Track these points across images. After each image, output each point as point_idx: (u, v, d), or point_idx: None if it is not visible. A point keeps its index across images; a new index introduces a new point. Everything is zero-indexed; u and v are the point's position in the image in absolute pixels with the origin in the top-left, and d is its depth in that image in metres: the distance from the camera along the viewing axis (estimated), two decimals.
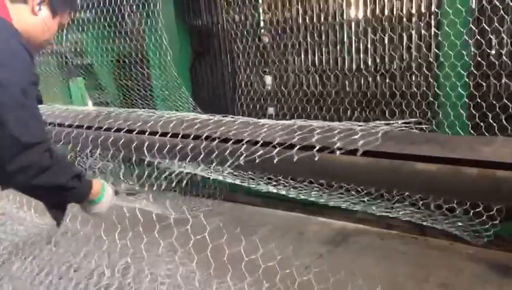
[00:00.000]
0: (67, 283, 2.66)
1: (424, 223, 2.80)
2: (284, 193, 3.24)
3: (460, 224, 2.64)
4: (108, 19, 3.85)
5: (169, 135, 1.87)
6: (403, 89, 3.05)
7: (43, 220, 3.10)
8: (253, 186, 3.36)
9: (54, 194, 1.50)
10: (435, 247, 2.88)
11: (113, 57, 4.25)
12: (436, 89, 2.81)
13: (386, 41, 3.08)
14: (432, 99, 2.89)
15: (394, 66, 3.11)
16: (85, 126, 2.16)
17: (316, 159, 1.44)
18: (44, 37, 1.55)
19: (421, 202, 2.69)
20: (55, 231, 3.05)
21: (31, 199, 2.48)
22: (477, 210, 2.45)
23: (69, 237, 2.93)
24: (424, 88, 2.97)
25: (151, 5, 3.64)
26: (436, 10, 2.81)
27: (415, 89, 3.00)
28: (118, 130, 2.10)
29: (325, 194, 3.08)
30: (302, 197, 3.17)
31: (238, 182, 3.39)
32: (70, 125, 2.27)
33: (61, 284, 2.66)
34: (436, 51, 2.81)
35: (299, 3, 3.40)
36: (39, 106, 1.47)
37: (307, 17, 3.40)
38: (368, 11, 3.14)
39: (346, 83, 3.33)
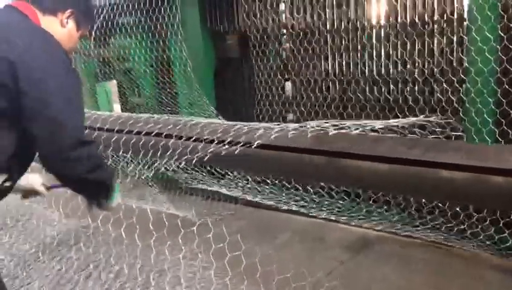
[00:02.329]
0: (93, 282, 2.73)
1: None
2: (304, 210, 3.29)
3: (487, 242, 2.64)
4: (147, 25, 3.95)
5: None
6: (426, 96, 3.04)
7: (71, 220, 3.18)
8: (273, 202, 3.42)
9: (97, 188, 1.69)
10: (459, 256, 2.84)
11: (151, 62, 4.32)
12: (462, 96, 2.78)
13: (408, 47, 3.09)
14: (457, 105, 2.87)
15: (416, 73, 3.10)
16: (115, 130, 2.24)
17: (340, 165, 1.47)
18: (69, 46, 1.73)
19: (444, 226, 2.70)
20: (83, 231, 3.13)
21: (59, 199, 2.59)
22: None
23: (97, 238, 3.00)
24: (450, 95, 2.94)
25: (172, 14, 3.71)
26: (464, 12, 2.79)
27: (440, 96, 2.98)
28: (147, 133, 2.18)
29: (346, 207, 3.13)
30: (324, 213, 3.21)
31: (258, 198, 3.45)
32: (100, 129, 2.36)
33: (88, 284, 2.73)
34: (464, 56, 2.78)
35: (321, 9, 3.43)
36: None
37: (328, 23, 3.42)
38: (390, 17, 3.15)
39: (367, 89, 3.34)
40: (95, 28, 4.25)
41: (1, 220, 3.58)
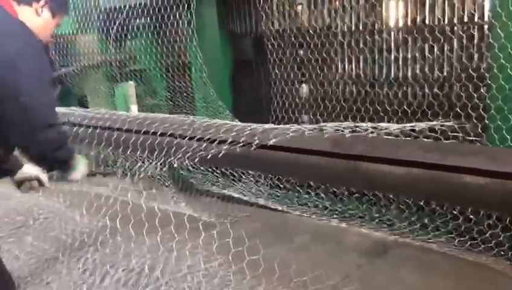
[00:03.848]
0: (108, 283, 2.75)
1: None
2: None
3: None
4: (158, 27, 3.97)
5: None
6: (445, 101, 2.99)
7: (91, 220, 3.22)
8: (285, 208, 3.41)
9: (60, 164, 1.92)
10: (481, 263, 2.78)
11: (163, 64, 4.34)
12: (487, 101, 2.71)
13: (427, 50, 3.05)
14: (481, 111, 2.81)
15: (435, 76, 3.06)
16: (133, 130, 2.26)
17: (358, 168, 1.45)
18: (46, 34, 1.88)
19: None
20: (103, 232, 3.16)
21: (79, 199, 2.63)
22: None
23: (114, 238, 3.03)
24: (472, 100, 2.89)
25: (188, 19, 3.72)
26: (489, 15, 2.73)
27: (461, 101, 2.93)
28: (162, 134, 2.19)
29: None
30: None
31: (270, 203, 3.45)
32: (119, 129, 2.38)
33: (103, 284, 2.75)
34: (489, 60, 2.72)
35: (338, 11, 3.41)
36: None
37: (346, 25, 3.40)
38: (408, 20, 3.11)
39: (385, 93, 3.30)
40: (112, 30, 4.31)
41: (23, 218, 3.65)
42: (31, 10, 1.79)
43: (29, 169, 1.99)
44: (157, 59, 4.34)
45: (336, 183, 2.34)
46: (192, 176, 3.84)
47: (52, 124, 1.71)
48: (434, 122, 1.85)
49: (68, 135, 1.97)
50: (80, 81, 5.12)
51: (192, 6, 3.65)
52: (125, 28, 4.30)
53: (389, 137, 1.69)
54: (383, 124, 1.77)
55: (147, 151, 2.25)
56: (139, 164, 2.89)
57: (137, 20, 4.29)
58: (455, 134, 1.78)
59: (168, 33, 4.01)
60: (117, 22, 4.25)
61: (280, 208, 3.51)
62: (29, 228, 3.49)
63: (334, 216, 3.28)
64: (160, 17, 3.86)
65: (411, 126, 1.83)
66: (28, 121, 1.63)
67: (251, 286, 2.40)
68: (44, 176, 2.06)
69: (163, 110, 4.28)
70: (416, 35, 3.07)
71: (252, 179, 3.54)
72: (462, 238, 2.70)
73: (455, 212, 2.68)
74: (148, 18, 4.05)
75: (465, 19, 2.88)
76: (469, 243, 2.69)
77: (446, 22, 2.96)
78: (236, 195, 3.64)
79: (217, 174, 3.68)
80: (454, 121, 1.96)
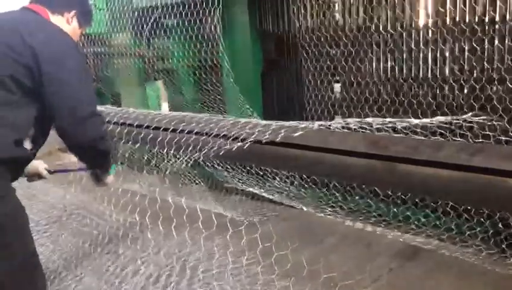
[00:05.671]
0: (139, 278, 2.79)
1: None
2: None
3: None
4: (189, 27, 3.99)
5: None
6: (483, 100, 2.89)
7: (121, 216, 3.27)
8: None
9: (101, 158, 2.04)
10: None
11: (193, 63, 4.36)
12: None
13: (466, 50, 2.95)
14: None
15: (474, 76, 2.96)
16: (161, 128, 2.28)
17: (397, 170, 1.41)
18: (74, 39, 2.02)
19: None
20: (133, 227, 3.21)
21: (111, 194, 2.68)
22: None
23: (145, 234, 3.06)
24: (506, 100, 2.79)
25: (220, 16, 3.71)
26: None
27: (496, 101, 2.83)
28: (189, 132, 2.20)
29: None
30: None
31: (294, 203, 3.41)
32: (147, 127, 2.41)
33: (134, 279, 2.78)
34: None
35: (373, 10, 3.35)
36: None
37: (381, 24, 3.33)
38: (447, 18, 3.02)
39: (420, 92, 3.21)
40: (146, 29, 4.36)
41: (58, 213, 3.76)
42: (63, 19, 2.01)
43: (33, 164, 2.17)
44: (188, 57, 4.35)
45: (373, 185, 2.29)
46: (221, 174, 3.85)
47: (96, 113, 1.88)
48: (460, 117, 1.79)
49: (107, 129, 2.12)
50: (114, 81, 5.22)
51: (219, 6, 3.64)
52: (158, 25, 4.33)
53: (425, 138, 1.64)
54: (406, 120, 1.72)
55: (173, 148, 2.27)
56: (165, 161, 2.92)
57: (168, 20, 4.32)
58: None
59: (199, 33, 4.02)
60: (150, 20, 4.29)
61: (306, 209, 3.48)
62: (64, 223, 3.58)
63: (363, 218, 3.23)
64: (189, 16, 3.87)
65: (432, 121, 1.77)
66: (75, 111, 1.79)
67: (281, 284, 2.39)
68: (44, 171, 2.31)
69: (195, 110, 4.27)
70: (451, 33, 2.99)
71: (279, 179, 3.52)
72: (491, 251, 2.61)
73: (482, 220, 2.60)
74: (178, 17, 4.07)
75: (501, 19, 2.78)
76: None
77: (481, 21, 2.86)
78: (266, 195, 3.62)
79: (246, 174, 3.68)
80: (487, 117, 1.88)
